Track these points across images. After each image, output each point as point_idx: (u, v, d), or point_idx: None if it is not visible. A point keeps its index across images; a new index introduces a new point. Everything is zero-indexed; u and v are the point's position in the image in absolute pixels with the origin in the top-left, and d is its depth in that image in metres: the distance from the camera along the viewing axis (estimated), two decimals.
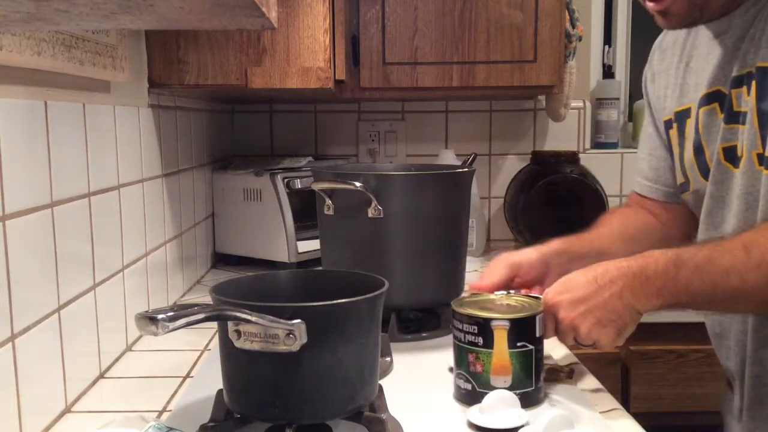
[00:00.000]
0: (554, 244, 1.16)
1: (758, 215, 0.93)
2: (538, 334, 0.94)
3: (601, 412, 0.94)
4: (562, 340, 0.97)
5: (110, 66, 1.14)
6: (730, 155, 0.98)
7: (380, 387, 0.90)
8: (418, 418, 0.92)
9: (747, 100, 0.94)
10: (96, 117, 1.10)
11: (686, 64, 1.09)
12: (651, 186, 1.22)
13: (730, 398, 1.09)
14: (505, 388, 0.91)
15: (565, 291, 0.95)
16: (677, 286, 0.88)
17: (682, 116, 1.08)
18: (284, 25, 1.36)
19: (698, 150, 1.04)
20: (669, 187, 1.19)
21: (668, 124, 1.12)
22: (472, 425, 0.89)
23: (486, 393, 0.92)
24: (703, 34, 1.04)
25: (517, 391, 0.92)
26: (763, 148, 0.92)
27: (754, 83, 0.93)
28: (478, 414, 0.89)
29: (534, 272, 1.12)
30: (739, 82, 0.96)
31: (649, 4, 0.97)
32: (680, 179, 1.11)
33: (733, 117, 0.97)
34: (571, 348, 1.19)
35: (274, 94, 1.74)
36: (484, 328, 0.93)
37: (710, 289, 0.87)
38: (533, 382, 0.94)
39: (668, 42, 1.15)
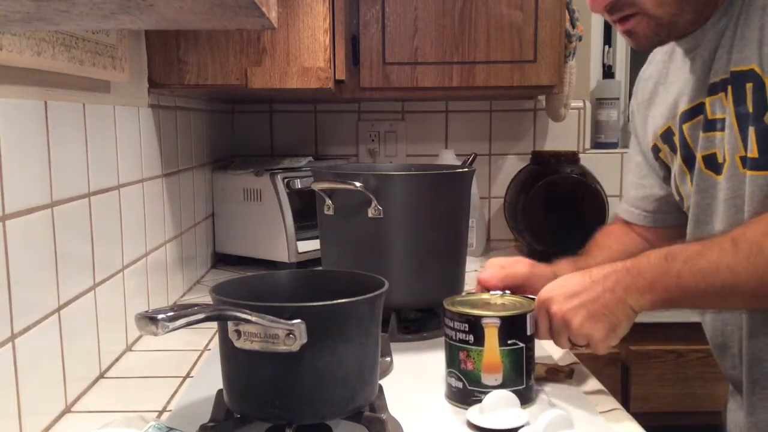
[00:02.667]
0: (563, 264, 1.17)
1: (745, 216, 0.93)
2: (529, 333, 0.94)
3: (601, 412, 0.94)
4: (556, 339, 0.97)
5: (110, 66, 1.14)
6: (711, 163, 0.98)
7: (380, 387, 0.90)
8: (418, 418, 0.92)
9: (725, 106, 0.94)
10: (96, 117, 1.10)
11: (666, 88, 1.09)
12: (640, 213, 1.24)
13: (735, 408, 1.08)
14: (496, 386, 0.92)
15: (559, 287, 0.96)
16: (668, 280, 0.88)
17: (667, 136, 1.08)
18: (284, 25, 1.36)
19: (690, 164, 1.04)
20: (656, 212, 1.22)
21: (656, 149, 1.13)
22: (472, 425, 0.89)
23: (477, 391, 0.92)
24: (678, 53, 1.05)
25: (509, 389, 0.92)
26: (745, 150, 0.92)
27: (730, 88, 0.93)
28: (478, 414, 0.89)
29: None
30: (714, 89, 0.96)
31: (617, 25, 0.98)
32: (677, 197, 1.12)
33: (710, 125, 0.97)
34: (572, 348, 1.19)
35: (274, 94, 1.74)
36: (475, 325, 0.93)
37: (701, 283, 0.87)
38: (524, 380, 0.94)
39: (650, 71, 1.16)
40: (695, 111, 1.01)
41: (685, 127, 1.03)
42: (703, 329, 1.11)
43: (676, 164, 1.06)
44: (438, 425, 0.91)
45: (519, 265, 1.18)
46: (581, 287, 0.93)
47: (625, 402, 1.68)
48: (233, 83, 1.39)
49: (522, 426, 0.86)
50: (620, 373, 1.71)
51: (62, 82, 0.99)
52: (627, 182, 1.27)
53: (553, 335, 0.97)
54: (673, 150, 1.08)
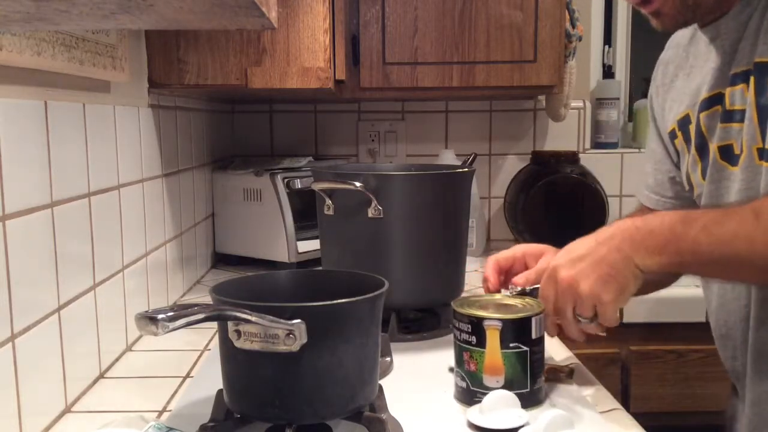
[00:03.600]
0: None
1: None
2: (534, 336, 0.93)
3: (601, 412, 0.94)
4: (561, 312, 0.93)
5: (110, 66, 1.14)
6: (726, 154, 0.98)
7: (380, 387, 0.90)
8: (418, 418, 0.92)
9: (746, 97, 0.94)
10: (96, 117, 1.10)
11: (687, 74, 1.09)
12: (658, 199, 1.22)
13: (735, 404, 1.08)
14: (498, 389, 0.91)
15: (565, 253, 0.94)
16: (682, 244, 0.86)
17: (684, 123, 1.08)
18: (284, 25, 1.36)
19: (703, 153, 1.03)
20: (674, 199, 1.20)
21: (672, 135, 1.12)
22: (472, 425, 0.89)
23: (479, 392, 0.92)
24: (701, 41, 1.05)
25: (512, 392, 0.92)
26: (764, 143, 0.91)
27: (752, 79, 0.93)
28: (478, 414, 0.89)
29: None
30: (735, 80, 0.96)
31: (642, 8, 0.98)
32: (686, 185, 1.11)
33: (727, 116, 0.97)
34: (573, 348, 1.19)
35: (274, 94, 1.74)
36: (477, 327, 0.93)
37: (716, 250, 0.85)
38: (529, 383, 0.93)
39: (669, 55, 1.15)
40: (713, 100, 1.00)
41: (702, 115, 1.02)
42: (708, 321, 1.10)
43: (691, 153, 1.06)
44: (438, 425, 0.91)
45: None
46: (587, 250, 0.90)
47: (625, 402, 1.68)
48: (233, 83, 1.39)
49: (522, 426, 0.86)
50: (620, 373, 1.71)
51: (62, 82, 0.99)
52: (646, 169, 1.25)
53: (557, 310, 0.93)
54: (687, 139, 1.07)
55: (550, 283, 0.93)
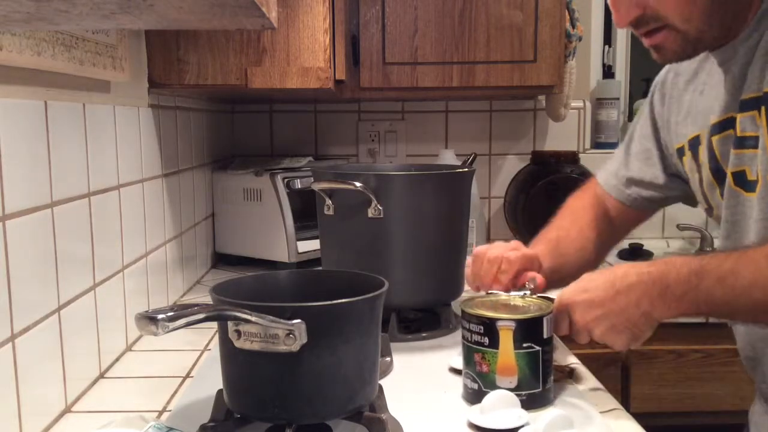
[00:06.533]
0: (541, 249, 1.18)
1: None
2: (545, 336, 0.94)
3: (601, 412, 0.94)
4: (577, 340, 0.97)
5: (110, 66, 1.14)
6: (741, 180, 0.97)
7: (380, 387, 0.90)
8: (418, 418, 0.92)
9: (757, 124, 0.93)
10: (96, 117, 1.10)
11: (700, 92, 1.08)
12: (630, 195, 1.22)
13: (762, 412, 1.08)
14: (510, 389, 0.92)
15: (582, 291, 0.94)
16: (698, 296, 0.87)
17: (694, 144, 1.07)
18: (284, 25, 1.36)
19: (720, 177, 1.02)
20: (645, 199, 1.21)
21: (681, 152, 1.12)
22: (472, 425, 0.89)
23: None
24: (713, 60, 1.04)
25: (524, 392, 0.92)
26: None
27: (763, 108, 0.92)
28: (478, 414, 0.89)
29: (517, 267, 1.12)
30: (745, 106, 0.95)
31: (643, 39, 0.98)
32: (703, 205, 1.11)
33: (740, 142, 0.96)
34: (573, 348, 1.19)
35: (274, 94, 1.74)
36: (490, 328, 0.93)
37: (732, 301, 0.86)
38: (540, 383, 0.94)
39: (682, 67, 1.14)
40: (725, 124, 1.00)
41: (714, 139, 1.02)
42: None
43: (705, 176, 1.05)
44: (438, 425, 0.91)
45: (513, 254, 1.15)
46: (605, 296, 0.92)
47: (625, 402, 1.68)
48: (233, 83, 1.39)
49: (522, 426, 0.86)
50: (620, 373, 1.71)
51: (62, 82, 0.99)
52: (630, 157, 1.23)
53: (573, 336, 0.97)
54: (696, 159, 1.07)
55: (564, 319, 0.95)
